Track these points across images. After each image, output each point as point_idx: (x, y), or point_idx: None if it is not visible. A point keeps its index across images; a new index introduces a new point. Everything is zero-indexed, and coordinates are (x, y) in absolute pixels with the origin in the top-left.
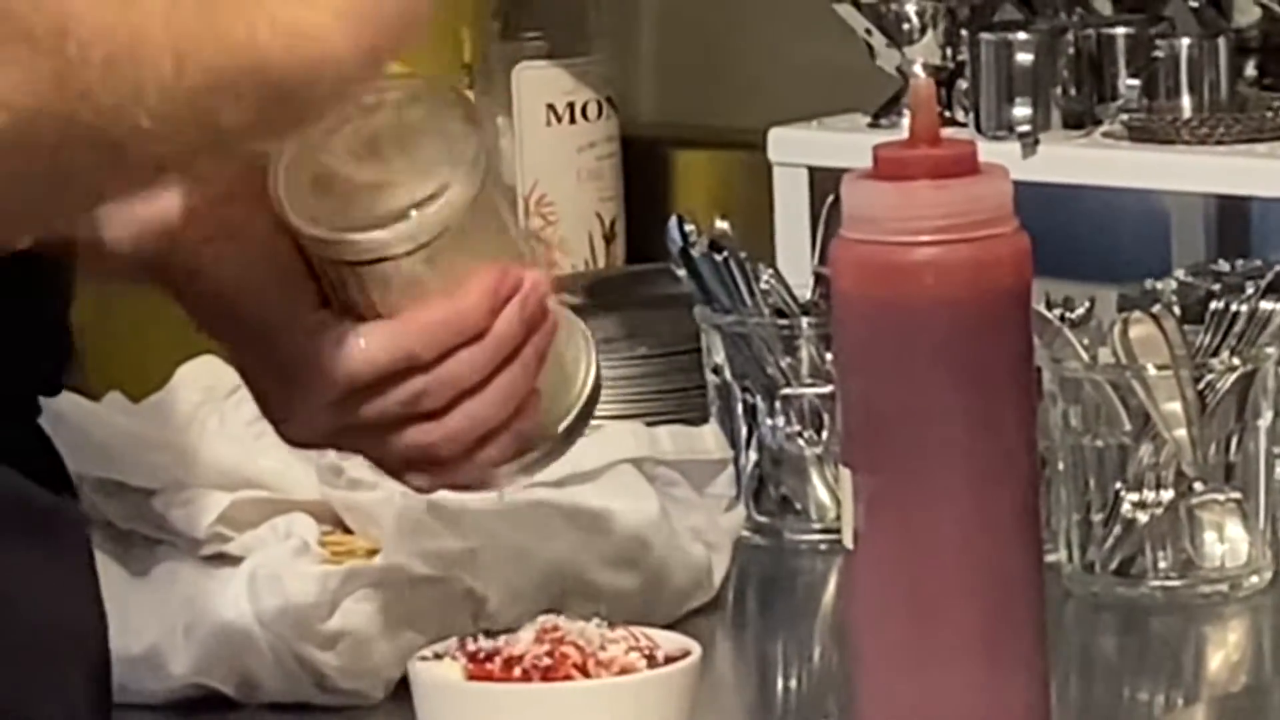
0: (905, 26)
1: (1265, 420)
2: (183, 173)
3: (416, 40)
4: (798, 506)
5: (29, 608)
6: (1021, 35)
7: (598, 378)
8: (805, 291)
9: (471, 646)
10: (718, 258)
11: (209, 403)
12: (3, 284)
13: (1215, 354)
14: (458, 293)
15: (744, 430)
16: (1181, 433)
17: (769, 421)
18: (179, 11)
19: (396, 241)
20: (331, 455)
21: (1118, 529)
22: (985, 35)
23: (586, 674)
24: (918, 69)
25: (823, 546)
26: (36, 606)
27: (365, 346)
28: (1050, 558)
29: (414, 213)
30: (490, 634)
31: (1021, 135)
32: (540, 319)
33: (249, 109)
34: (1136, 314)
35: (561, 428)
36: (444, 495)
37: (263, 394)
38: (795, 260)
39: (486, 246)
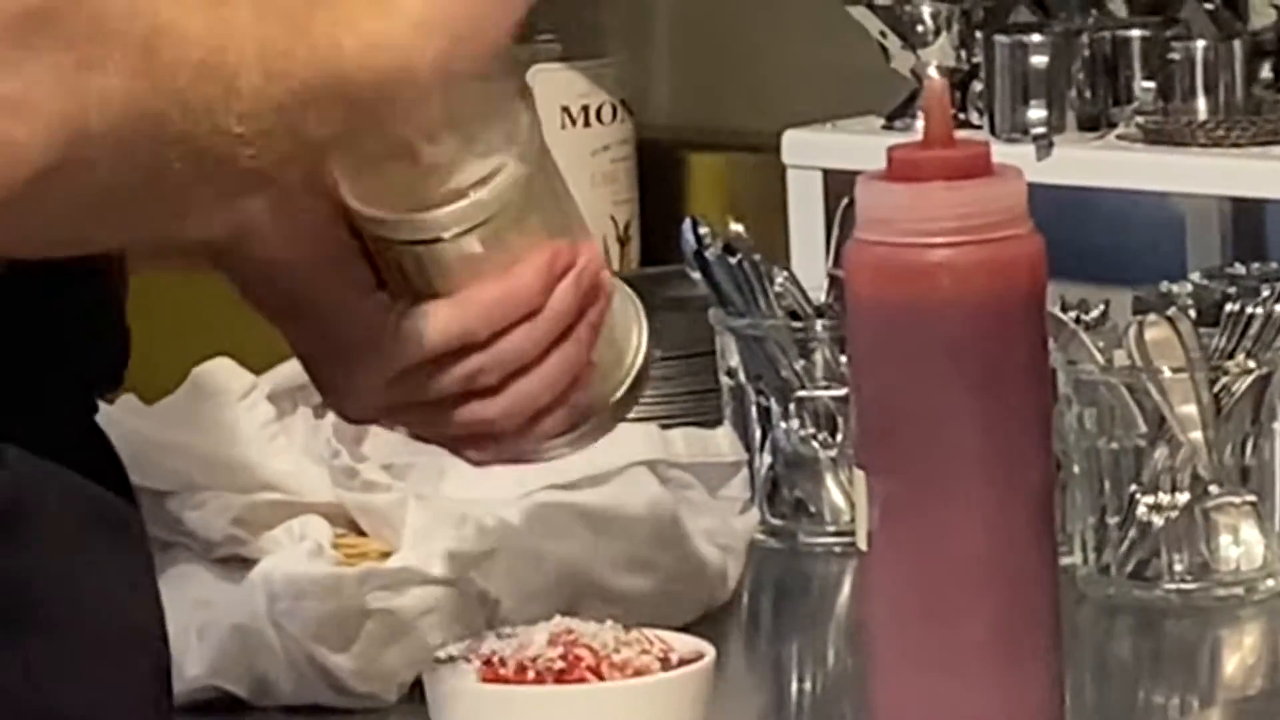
0: (920, 28)
1: None
2: (273, 183)
3: (493, 49)
4: (812, 509)
5: (97, 606)
6: (1036, 37)
7: (649, 350)
8: (819, 294)
9: (485, 649)
10: (732, 260)
11: (223, 405)
12: (61, 280)
13: (1231, 356)
14: (513, 270)
15: (758, 433)
16: (1197, 435)
17: (783, 424)
18: (266, 24)
19: (453, 221)
20: (345, 457)
21: (1133, 532)
22: (1000, 37)
23: (600, 677)
24: (932, 71)
25: (837, 549)
26: (104, 605)
27: (422, 326)
28: (1065, 560)
29: (470, 192)
30: (504, 636)
31: (1036, 137)
32: (594, 294)
33: (335, 120)
34: (1152, 316)
35: (614, 399)
36: (457, 498)
37: (318, 373)
38: (809, 263)
39: (542, 224)
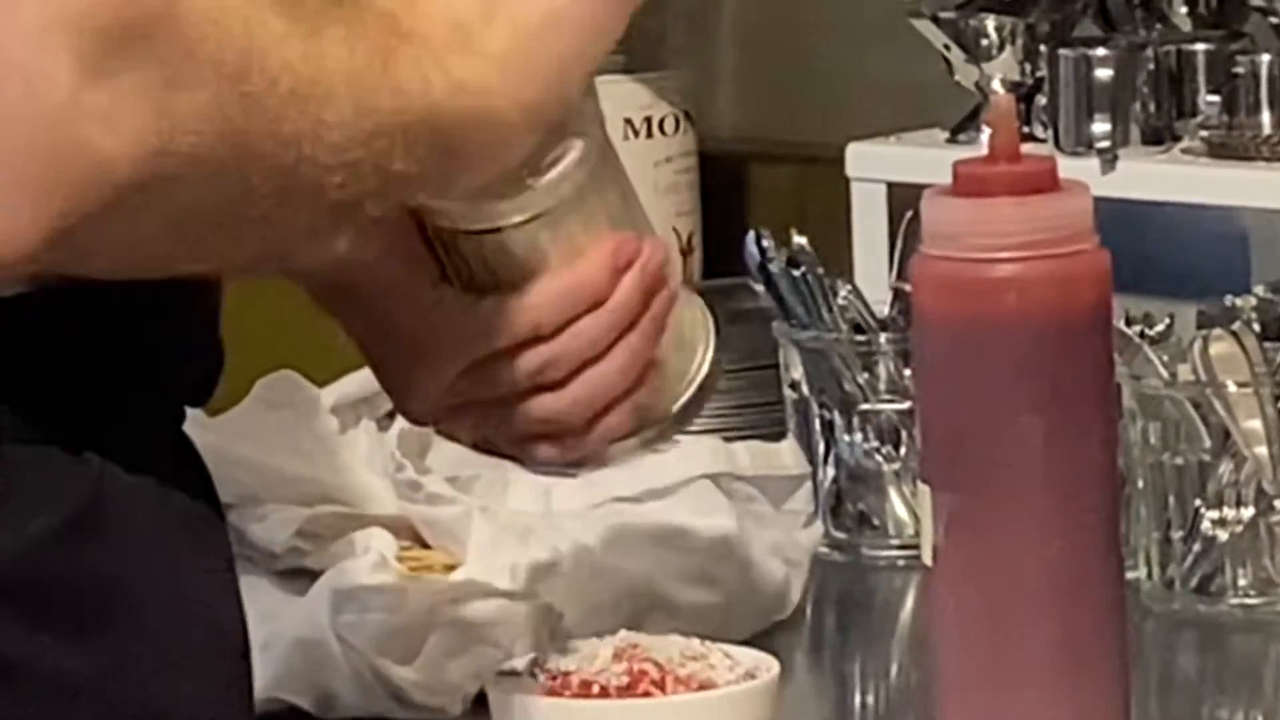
0: (984, 42)
1: None
2: (359, 217)
3: (575, 92)
4: (875, 522)
5: (179, 607)
6: (1100, 51)
7: (717, 357)
8: (883, 307)
9: (550, 663)
10: (795, 273)
11: (287, 418)
12: (156, 288)
13: None
14: (579, 261)
15: (822, 446)
16: (1262, 450)
17: (847, 437)
18: (356, 58)
19: (515, 209)
20: (409, 470)
21: (1197, 546)
22: (1064, 51)
23: (665, 690)
24: (996, 85)
25: (900, 562)
26: (186, 606)
27: (489, 320)
28: (1130, 575)
29: (531, 181)
30: (568, 650)
31: (1100, 151)
32: (659, 286)
33: (420, 159)
34: (1216, 331)
35: (680, 402)
36: (522, 511)
37: (382, 369)
38: (873, 276)
39: (606, 217)
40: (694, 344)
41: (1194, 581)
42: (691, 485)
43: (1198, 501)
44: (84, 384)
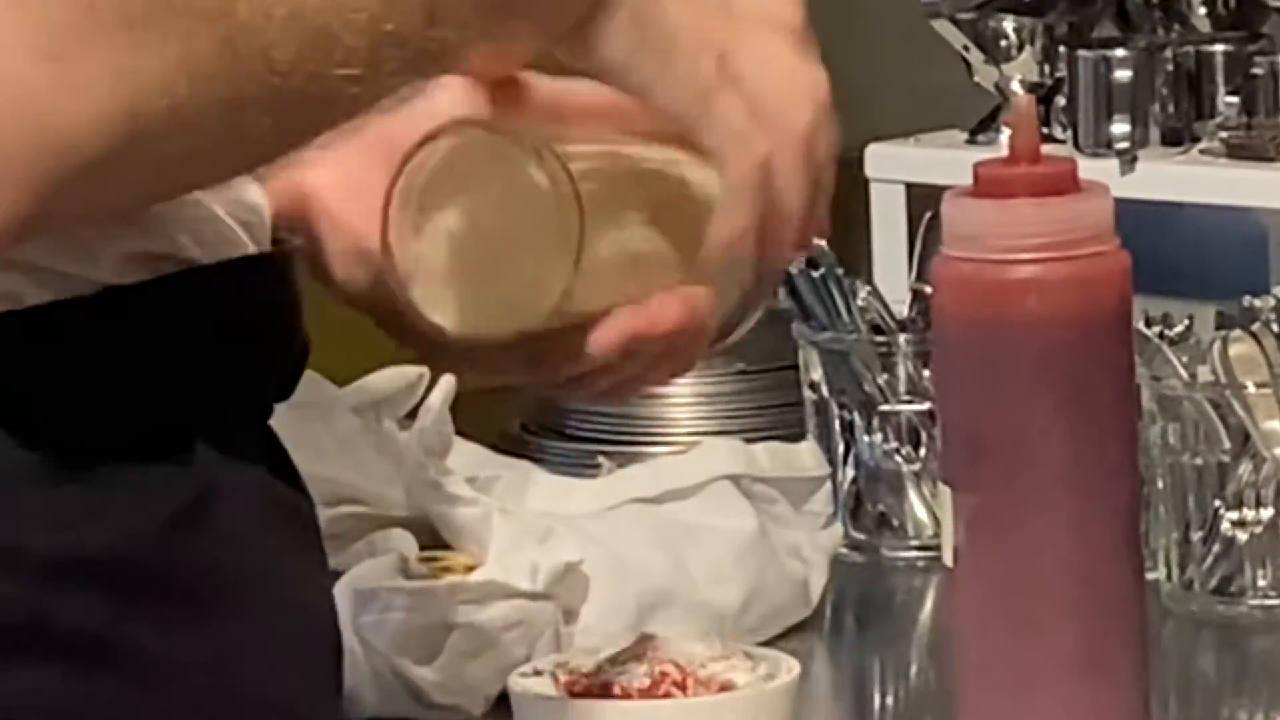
0: (1003, 43)
1: None
2: (379, 105)
3: None
4: (895, 523)
5: (277, 592)
6: (1119, 52)
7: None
8: (902, 308)
9: (571, 663)
10: (815, 274)
11: (308, 418)
12: (247, 284)
13: None
14: (586, 348)
15: (841, 447)
16: None
17: (866, 438)
18: None
19: (514, 324)
20: (430, 471)
21: (1217, 547)
22: (1083, 52)
23: (685, 691)
24: (1016, 86)
25: (920, 563)
26: (283, 591)
27: (503, 373)
28: (1149, 576)
29: (525, 295)
30: (589, 650)
31: (1120, 152)
32: (676, 342)
33: (459, 21)
34: (1235, 332)
35: (737, 330)
36: (542, 511)
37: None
38: (892, 276)
39: (615, 281)
40: (731, 277)
41: (1213, 582)
42: (711, 486)
43: (1217, 502)
44: (185, 378)
